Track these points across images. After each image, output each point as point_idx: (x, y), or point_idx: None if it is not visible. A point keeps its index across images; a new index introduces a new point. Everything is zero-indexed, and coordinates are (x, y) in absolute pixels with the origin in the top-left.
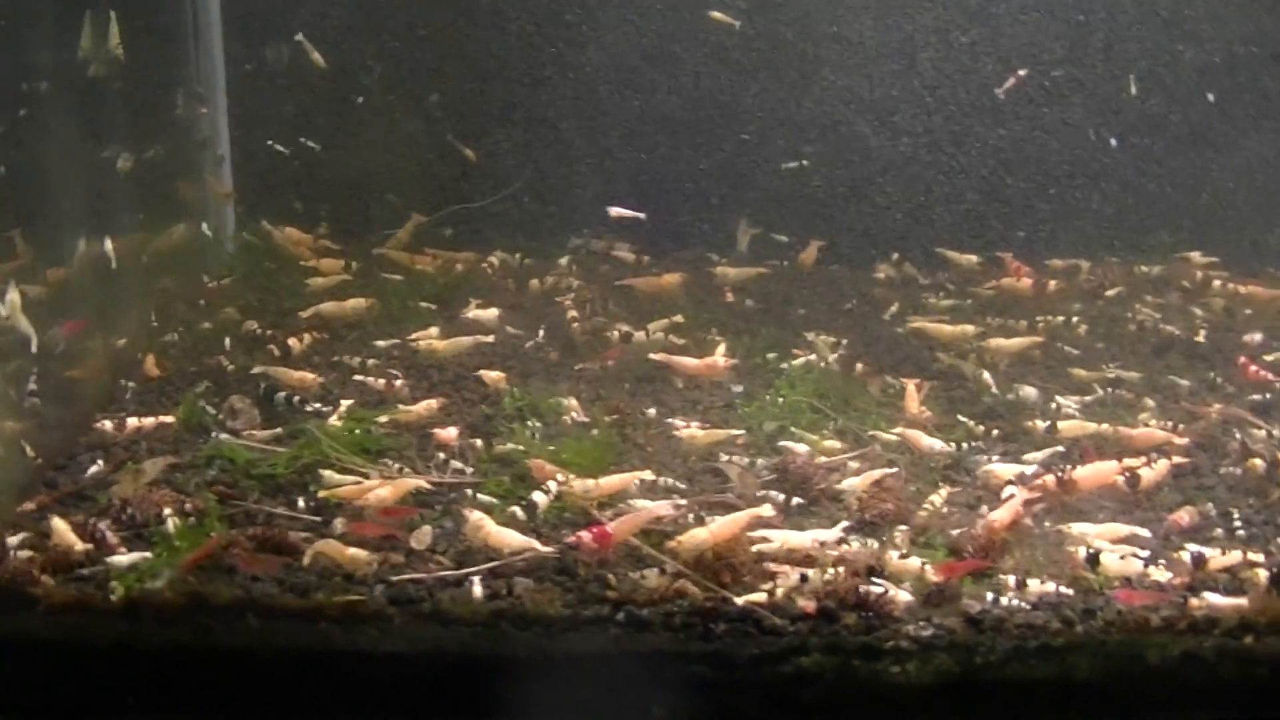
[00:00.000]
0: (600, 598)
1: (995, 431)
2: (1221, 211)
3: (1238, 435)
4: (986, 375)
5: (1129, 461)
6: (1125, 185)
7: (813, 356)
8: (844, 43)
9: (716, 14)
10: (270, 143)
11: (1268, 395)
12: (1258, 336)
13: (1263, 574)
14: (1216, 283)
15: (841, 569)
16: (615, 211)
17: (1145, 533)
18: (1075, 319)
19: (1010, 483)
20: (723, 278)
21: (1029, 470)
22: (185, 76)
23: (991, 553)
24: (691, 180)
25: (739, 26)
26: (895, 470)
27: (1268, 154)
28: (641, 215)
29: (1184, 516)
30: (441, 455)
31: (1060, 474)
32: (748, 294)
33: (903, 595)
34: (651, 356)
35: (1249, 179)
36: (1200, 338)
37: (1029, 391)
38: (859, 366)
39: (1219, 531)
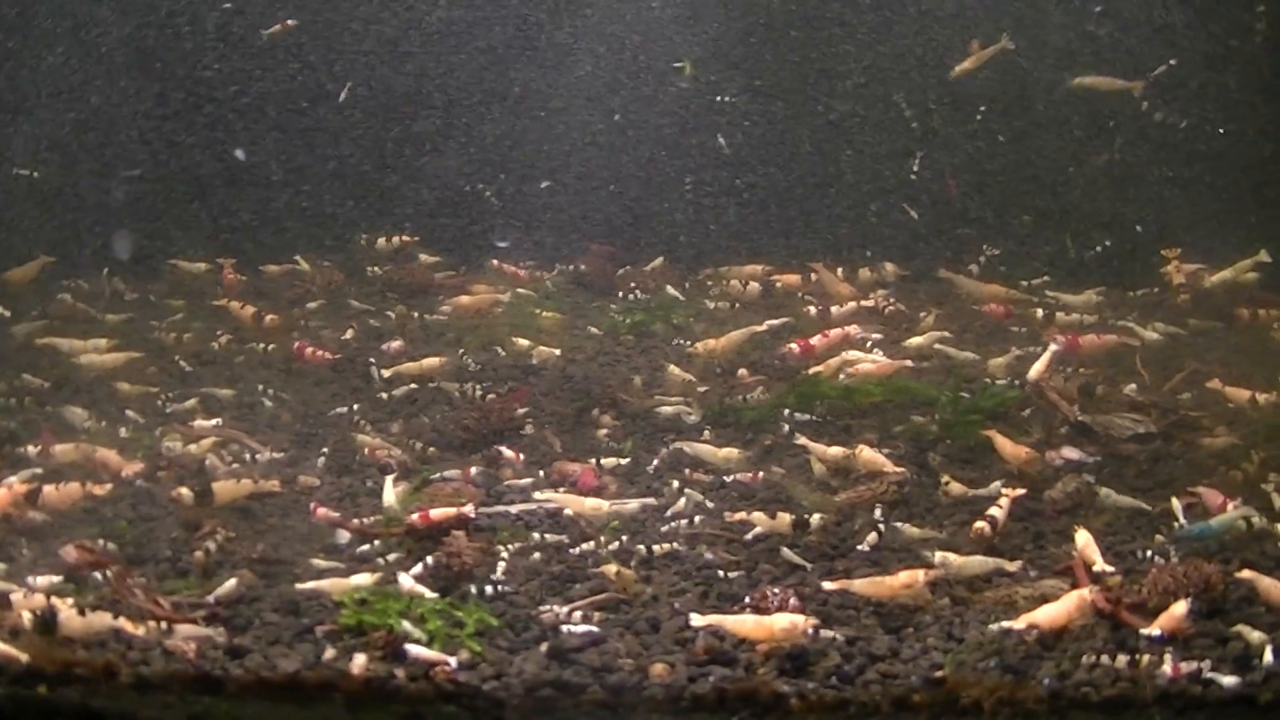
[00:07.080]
0: None
1: None
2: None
3: (209, 461)
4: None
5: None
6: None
7: None
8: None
9: None
10: None
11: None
12: (396, 343)
13: (28, 616)
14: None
15: None
16: None
17: None
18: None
19: None
20: None
21: None
22: None
23: None
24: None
25: None
26: None
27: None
28: None
29: (71, 553)
30: None
31: None
32: None
33: None
34: None
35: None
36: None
37: (76, 412)
38: None
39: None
